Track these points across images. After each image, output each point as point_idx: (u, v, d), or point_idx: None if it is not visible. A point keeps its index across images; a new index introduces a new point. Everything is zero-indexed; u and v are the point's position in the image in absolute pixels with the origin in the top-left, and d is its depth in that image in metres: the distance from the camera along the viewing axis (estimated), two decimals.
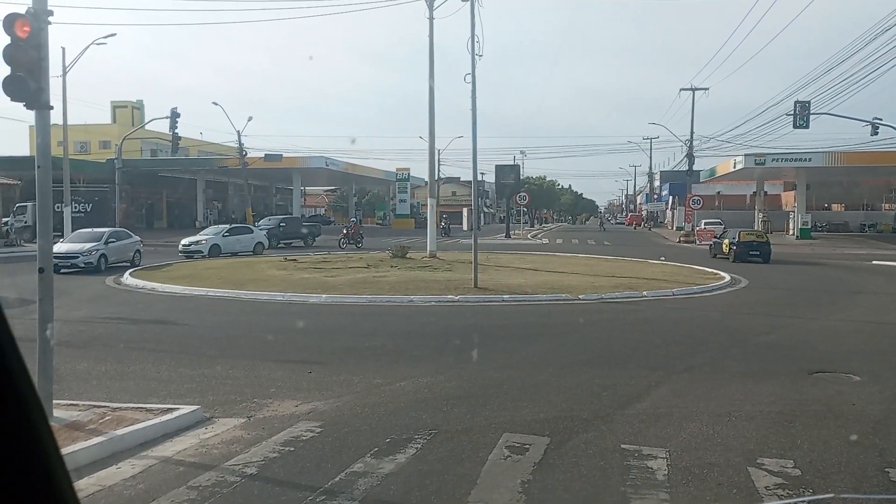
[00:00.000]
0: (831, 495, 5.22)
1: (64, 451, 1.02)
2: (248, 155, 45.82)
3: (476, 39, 19.80)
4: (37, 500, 0.91)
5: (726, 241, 31.94)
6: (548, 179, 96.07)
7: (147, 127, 51.01)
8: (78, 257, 23.28)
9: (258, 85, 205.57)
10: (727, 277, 22.12)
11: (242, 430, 7.01)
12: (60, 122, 34.98)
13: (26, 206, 39.54)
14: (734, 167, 50.37)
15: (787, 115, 33.13)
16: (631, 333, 13.32)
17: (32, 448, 0.92)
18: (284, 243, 39.14)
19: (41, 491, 0.92)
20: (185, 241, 31.57)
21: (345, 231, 38.68)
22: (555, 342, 12.44)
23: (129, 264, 25.11)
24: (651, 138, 77.52)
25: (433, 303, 16.73)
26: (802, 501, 5.15)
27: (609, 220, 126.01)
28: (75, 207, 41.49)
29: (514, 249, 37.31)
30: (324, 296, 17.29)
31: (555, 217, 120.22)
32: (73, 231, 29.30)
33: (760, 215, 56.67)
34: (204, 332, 13.22)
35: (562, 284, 19.71)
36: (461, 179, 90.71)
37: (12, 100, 6.78)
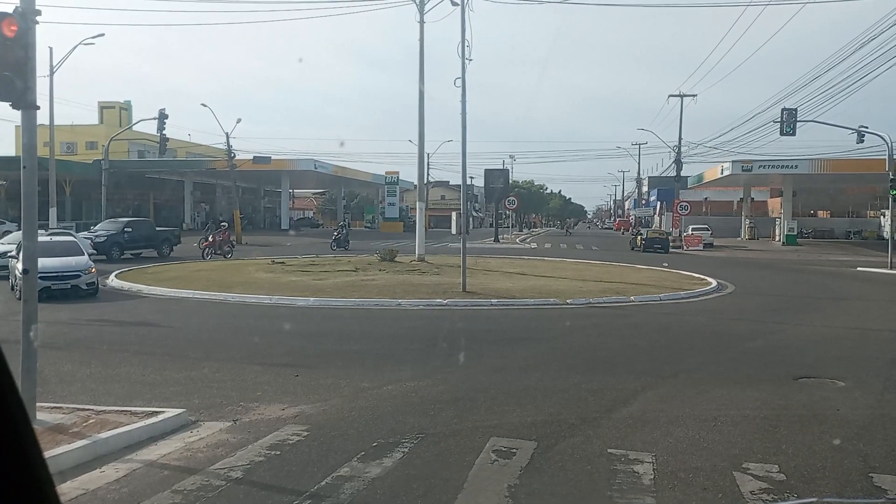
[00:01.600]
0: (814, 499, 5.26)
1: (47, 454, 1.02)
2: (237, 157, 45.62)
3: (466, 43, 19.86)
4: (20, 502, 0.91)
5: (640, 237, 44.86)
6: (536, 184, 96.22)
7: (135, 128, 50.70)
8: (79, 275, 17.55)
9: (248, 86, 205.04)
10: (713, 283, 22.26)
11: (228, 434, 6.97)
12: (47, 123, 34.75)
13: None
14: (721, 173, 50.72)
15: (774, 122, 33.44)
16: (618, 338, 13.37)
17: (15, 451, 0.91)
18: (132, 253, 29.76)
19: (24, 494, 0.91)
20: None
21: (210, 238, 30.96)
22: (542, 346, 12.46)
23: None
24: (640, 144, 77.92)
25: (421, 306, 16.72)
26: None
27: (597, 225, 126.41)
28: None
29: (502, 254, 37.36)
30: (311, 299, 17.25)
31: (543, 222, 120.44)
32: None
33: (747, 221, 57.06)
34: (190, 335, 13.15)
35: (550, 289, 19.75)
36: (450, 183, 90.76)
37: None
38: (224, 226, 34.48)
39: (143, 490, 5.44)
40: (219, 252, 30.70)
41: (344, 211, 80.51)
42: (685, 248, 45.09)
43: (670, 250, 42.11)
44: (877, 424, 7.78)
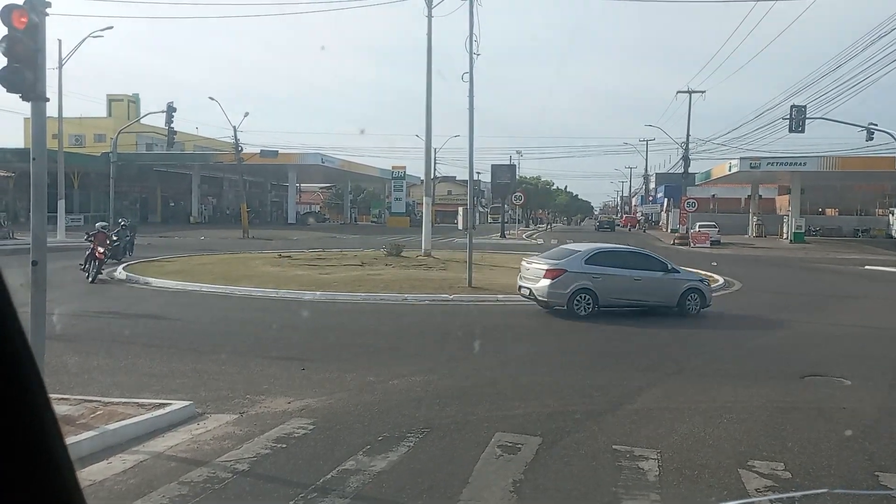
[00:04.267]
0: (825, 490, 5.26)
1: None
2: (244, 150, 45.63)
3: (474, 38, 19.83)
4: (43, 486, 0.92)
5: (596, 221, 71.38)
6: (543, 180, 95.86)
7: (143, 121, 50.79)
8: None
9: (255, 80, 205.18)
10: (720, 280, 22.20)
11: (234, 427, 7.00)
12: (56, 115, 34.86)
13: None
14: (729, 170, 50.49)
15: (783, 119, 33.17)
16: (624, 334, 13.34)
17: (38, 435, 0.93)
18: None
19: (47, 478, 0.93)
20: None
21: (99, 250, 19.49)
22: (548, 342, 12.46)
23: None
24: (647, 140, 77.47)
25: (427, 301, 16.73)
26: (795, 496, 5.20)
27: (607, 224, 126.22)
28: None
29: (508, 249, 37.32)
30: (317, 293, 17.27)
31: (550, 217, 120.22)
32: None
33: (755, 219, 56.82)
34: (197, 328, 13.19)
35: None
36: (457, 178, 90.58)
37: (8, 91, 6.75)
38: (103, 228, 21.46)
39: (150, 481, 5.47)
40: (100, 272, 19.74)
41: (350, 206, 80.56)
42: (692, 244, 44.96)
43: (691, 247, 43.81)
44: (883, 423, 7.76)
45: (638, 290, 15.01)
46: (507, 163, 59.06)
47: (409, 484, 5.54)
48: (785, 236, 50.64)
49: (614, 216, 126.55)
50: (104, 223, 24.23)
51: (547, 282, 14.65)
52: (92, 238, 19.75)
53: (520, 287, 15.70)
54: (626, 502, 5.26)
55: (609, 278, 14.73)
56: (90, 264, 19.53)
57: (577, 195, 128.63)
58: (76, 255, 21.35)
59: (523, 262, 15.94)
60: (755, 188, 58.04)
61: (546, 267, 14.92)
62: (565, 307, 14.59)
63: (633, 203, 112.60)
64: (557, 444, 6.62)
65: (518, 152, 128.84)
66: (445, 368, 9.82)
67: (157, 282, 19.17)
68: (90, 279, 19.12)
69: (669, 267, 15.44)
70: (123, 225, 25.51)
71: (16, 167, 40.61)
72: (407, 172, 72.94)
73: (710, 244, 44.51)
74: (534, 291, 14.91)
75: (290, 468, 5.87)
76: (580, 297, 14.56)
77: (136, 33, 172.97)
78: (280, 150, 53.05)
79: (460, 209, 64.19)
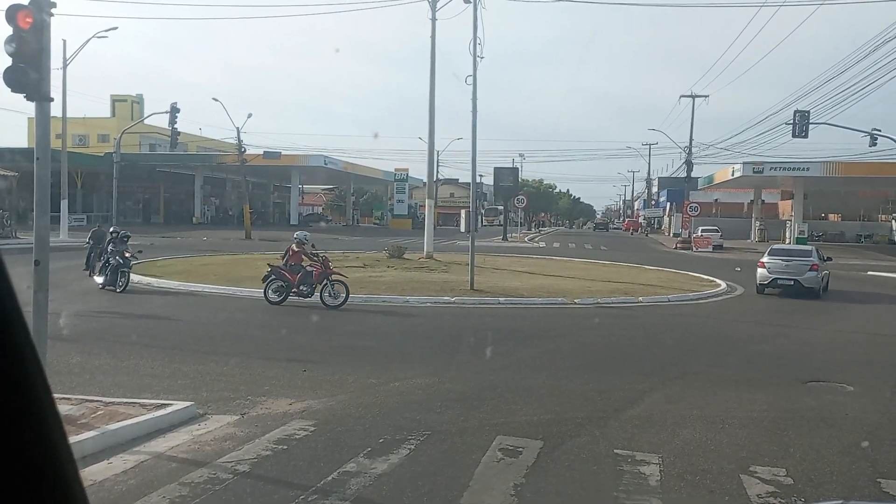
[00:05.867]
0: (840, 501, 5.24)
1: None
2: (247, 152, 45.63)
3: (478, 41, 19.84)
4: (46, 485, 0.92)
5: (594, 223, 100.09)
6: (546, 183, 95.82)
7: (146, 121, 50.78)
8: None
9: (259, 82, 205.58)
10: (723, 285, 22.17)
11: (235, 428, 6.99)
12: (59, 115, 34.93)
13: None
14: (732, 175, 50.43)
15: (786, 124, 33.18)
16: (626, 339, 13.33)
17: (42, 435, 0.93)
18: None
19: (50, 477, 0.93)
20: None
21: (318, 271, 15.71)
22: (550, 346, 12.44)
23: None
24: (650, 144, 77.39)
25: (429, 304, 16.72)
26: None
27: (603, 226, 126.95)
28: None
29: (511, 252, 37.31)
30: None
31: (552, 221, 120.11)
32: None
33: (757, 223, 56.73)
34: (199, 329, 13.20)
35: (558, 288, 19.72)
36: (460, 181, 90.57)
37: (13, 91, 6.76)
38: (305, 238, 16.50)
39: (151, 482, 5.47)
40: (296, 292, 15.66)
41: (353, 208, 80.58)
42: (695, 249, 44.91)
43: (693, 251, 44.11)
44: (886, 429, 7.74)
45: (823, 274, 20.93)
46: (510, 165, 59.05)
47: (410, 487, 5.53)
48: (788, 241, 50.57)
49: (616, 219, 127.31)
50: (98, 229, 19.85)
51: (814, 273, 19.98)
52: (309, 247, 15.98)
53: (774, 279, 20.23)
54: None
55: (824, 267, 20.78)
56: (309, 290, 15.56)
57: (579, 198, 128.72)
58: (79, 254, 21.37)
59: (770, 260, 20.69)
60: (758, 193, 57.95)
61: (810, 263, 20.18)
62: (818, 289, 20.04)
63: (636, 207, 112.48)
64: (559, 448, 6.60)
65: (521, 155, 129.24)
66: (447, 371, 9.80)
67: (159, 282, 19.18)
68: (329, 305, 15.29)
69: (825, 257, 21.79)
70: (115, 235, 17.70)
71: (19, 167, 40.62)
72: (409, 175, 72.97)
73: (713, 248, 44.46)
74: (801, 281, 19.88)
75: (291, 470, 5.86)
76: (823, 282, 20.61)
77: (140, 34, 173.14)
78: (283, 152, 53.10)
79: (463, 212, 64.22)
